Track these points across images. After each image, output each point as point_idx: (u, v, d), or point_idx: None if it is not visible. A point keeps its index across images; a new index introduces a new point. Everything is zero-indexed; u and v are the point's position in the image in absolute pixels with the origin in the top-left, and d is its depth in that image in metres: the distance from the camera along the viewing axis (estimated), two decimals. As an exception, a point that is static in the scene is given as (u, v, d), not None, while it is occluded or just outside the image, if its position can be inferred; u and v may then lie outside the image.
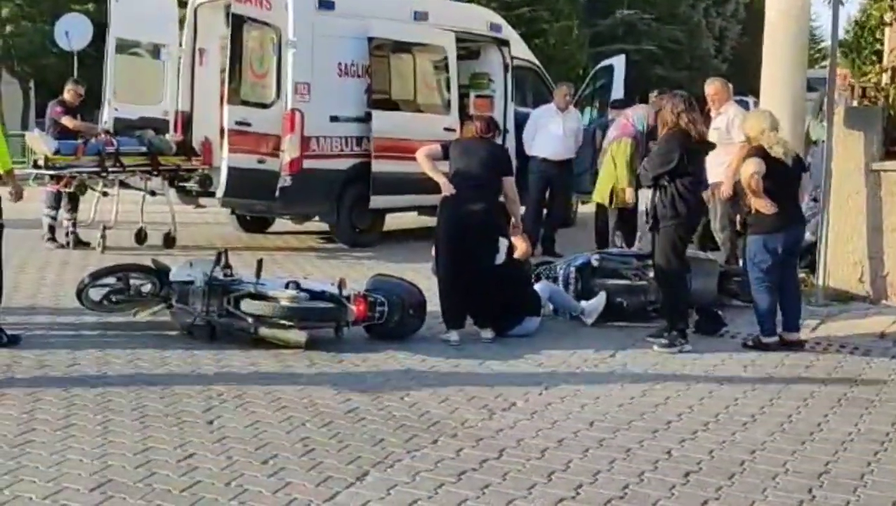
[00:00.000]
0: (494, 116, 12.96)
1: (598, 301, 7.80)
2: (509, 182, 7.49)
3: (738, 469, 4.70)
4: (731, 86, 9.49)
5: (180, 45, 11.88)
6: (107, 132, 10.95)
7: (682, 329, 7.06)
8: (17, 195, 6.95)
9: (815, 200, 10.02)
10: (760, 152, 6.95)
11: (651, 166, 7.18)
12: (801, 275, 8.98)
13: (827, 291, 8.56)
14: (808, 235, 9.43)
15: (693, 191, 7.05)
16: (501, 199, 7.47)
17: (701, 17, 41.98)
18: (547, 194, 11.43)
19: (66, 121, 10.83)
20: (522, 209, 8.80)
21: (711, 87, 9.39)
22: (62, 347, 6.63)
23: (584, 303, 7.85)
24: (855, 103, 10.05)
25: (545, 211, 11.58)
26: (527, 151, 11.55)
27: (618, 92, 12.25)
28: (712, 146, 7.42)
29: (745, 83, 25.00)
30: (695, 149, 7.03)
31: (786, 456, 4.91)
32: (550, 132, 11.26)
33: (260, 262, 7.19)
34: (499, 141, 8.16)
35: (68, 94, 11.19)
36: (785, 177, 7.03)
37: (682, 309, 7.12)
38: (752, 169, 6.87)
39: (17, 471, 4.41)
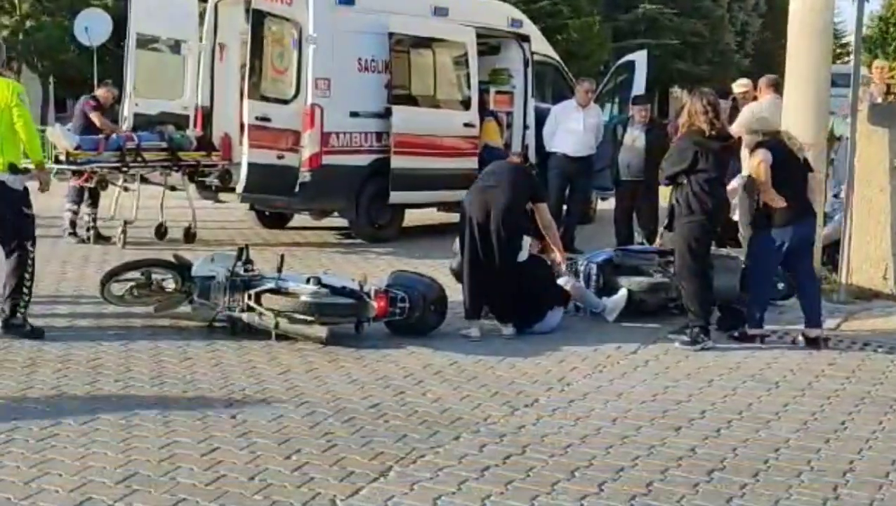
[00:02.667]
0: (514, 112, 13.06)
1: (620, 298, 7.77)
2: (543, 208, 7.47)
3: (762, 467, 4.68)
4: (765, 80, 9.52)
5: (200, 40, 11.92)
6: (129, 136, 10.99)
7: (703, 326, 7.01)
8: (45, 186, 7.05)
9: (836, 196, 9.96)
10: (771, 144, 7.04)
11: (666, 165, 7.18)
12: (824, 272, 8.95)
13: (850, 289, 8.50)
14: (830, 232, 9.39)
15: (710, 190, 6.93)
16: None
17: (724, 11, 41.80)
18: (567, 191, 11.40)
19: (95, 117, 10.89)
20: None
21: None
22: (85, 341, 6.67)
23: (605, 299, 7.83)
24: (880, 99, 9.99)
25: (564, 207, 11.54)
26: (546, 148, 11.52)
27: (639, 88, 12.19)
28: (731, 143, 7.33)
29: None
30: (711, 147, 6.92)
31: (810, 454, 4.88)
32: (570, 128, 11.22)
33: (282, 257, 7.21)
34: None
35: (104, 93, 11.32)
36: (798, 172, 7.11)
37: (702, 306, 7.04)
38: (759, 158, 6.96)
39: (42, 465, 4.44)
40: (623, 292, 7.78)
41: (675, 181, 7.09)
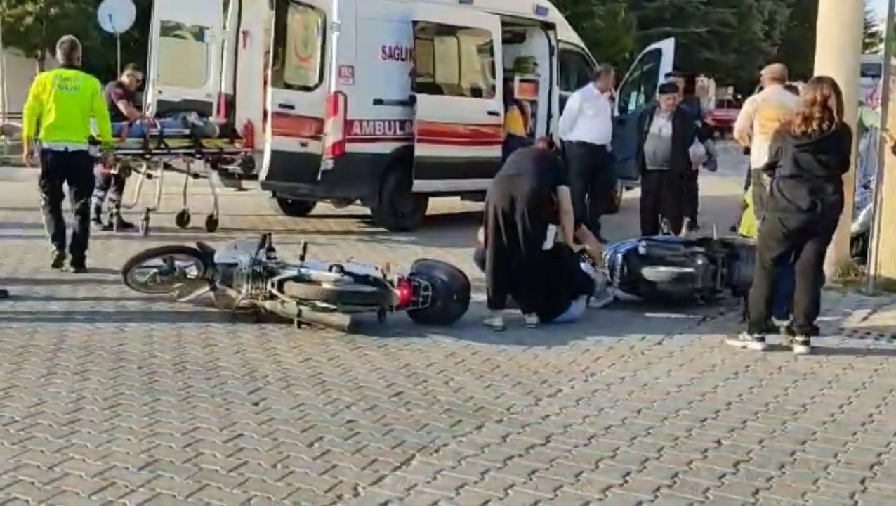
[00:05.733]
0: (539, 101, 12.99)
1: (607, 297, 7.86)
2: (564, 192, 7.31)
3: (788, 459, 4.62)
4: (768, 70, 9.41)
5: (224, 27, 11.91)
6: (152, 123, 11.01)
7: (753, 324, 6.73)
8: (109, 164, 9.20)
9: (864, 187, 9.86)
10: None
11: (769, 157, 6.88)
12: (853, 264, 8.87)
13: (878, 281, 8.40)
14: (859, 222, 9.30)
15: (779, 188, 6.52)
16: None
17: (752, 0, 41.47)
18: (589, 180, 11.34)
19: (122, 105, 10.91)
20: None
21: None
22: (108, 328, 6.69)
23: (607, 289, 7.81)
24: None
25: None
26: (565, 136, 11.35)
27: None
28: (815, 139, 6.50)
29: (795, 68, 24.73)
30: (789, 145, 6.48)
31: (837, 447, 4.82)
32: (595, 116, 11.16)
33: (305, 245, 7.20)
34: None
35: (127, 78, 11.37)
36: None
37: (755, 304, 6.72)
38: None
39: (66, 449, 4.45)
40: (610, 296, 7.90)
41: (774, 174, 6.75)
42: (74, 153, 8.48)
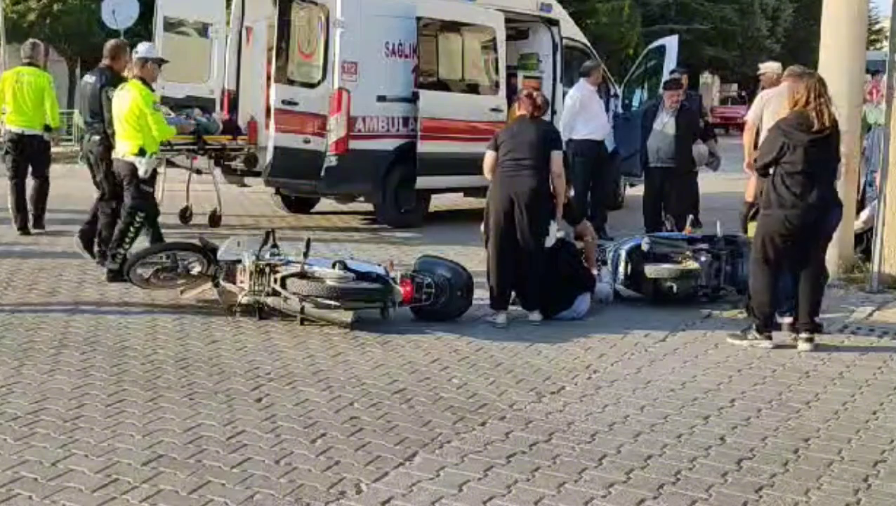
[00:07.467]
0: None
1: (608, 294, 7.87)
2: (557, 156, 7.25)
3: (792, 456, 4.62)
4: (788, 69, 9.38)
5: (227, 23, 11.90)
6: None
7: (760, 323, 6.67)
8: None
9: (869, 184, 9.84)
10: None
11: (759, 155, 6.74)
12: (857, 261, 8.85)
13: (882, 278, 8.38)
14: (863, 219, 9.28)
15: (790, 184, 6.41)
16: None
17: (754, -4, 41.52)
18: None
19: None
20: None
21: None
22: (111, 324, 6.69)
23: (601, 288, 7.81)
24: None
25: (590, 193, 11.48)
26: (569, 134, 11.31)
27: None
28: (824, 135, 6.43)
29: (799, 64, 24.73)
30: (799, 140, 6.38)
31: (841, 444, 4.81)
32: (597, 112, 11.17)
33: (308, 241, 7.19)
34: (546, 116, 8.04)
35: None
36: None
37: (760, 303, 6.67)
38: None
39: (69, 446, 4.45)
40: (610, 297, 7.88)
41: (768, 173, 6.63)
42: (31, 136, 10.33)
